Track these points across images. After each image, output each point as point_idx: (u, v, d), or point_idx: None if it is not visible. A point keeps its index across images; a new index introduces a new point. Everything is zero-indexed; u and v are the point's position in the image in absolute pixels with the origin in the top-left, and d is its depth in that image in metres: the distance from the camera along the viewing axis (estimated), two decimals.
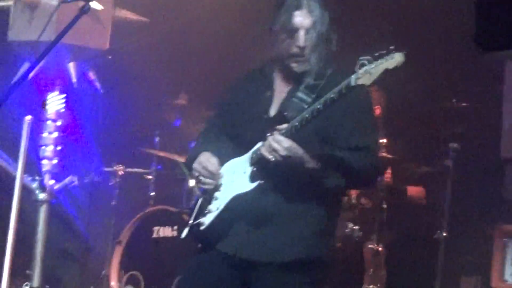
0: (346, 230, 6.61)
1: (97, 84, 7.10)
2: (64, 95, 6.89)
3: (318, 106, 3.93)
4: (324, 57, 4.24)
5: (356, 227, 6.65)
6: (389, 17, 7.58)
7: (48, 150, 6.83)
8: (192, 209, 4.37)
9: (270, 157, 4.01)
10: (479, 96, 6.71)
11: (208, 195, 4.27)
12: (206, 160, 4.29)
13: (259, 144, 4.08)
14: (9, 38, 6.84)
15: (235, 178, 4.20)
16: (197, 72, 7.91)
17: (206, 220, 4.23)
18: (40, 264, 6.73)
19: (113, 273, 6.99)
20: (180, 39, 7.93)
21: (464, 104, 6.60)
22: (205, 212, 4.26)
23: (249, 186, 4.13)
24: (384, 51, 3.84)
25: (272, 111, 4.22)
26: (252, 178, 4.13)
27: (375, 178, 4.71)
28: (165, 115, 7.71)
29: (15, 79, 6.60)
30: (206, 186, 4.28)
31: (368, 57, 3.83)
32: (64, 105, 6.92)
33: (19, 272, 6.66)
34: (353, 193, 6.56)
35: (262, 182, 4.09)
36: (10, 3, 6.85)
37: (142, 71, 7.86)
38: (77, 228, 7.62)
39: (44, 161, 6.85)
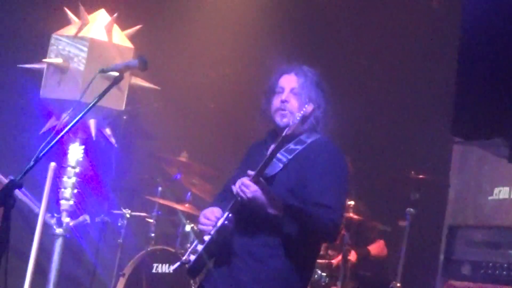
0: (315, 276, 6.98)
1: (112, 139, 7.60)
2: (84, 146, 7.47)
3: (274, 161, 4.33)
4: (309, 120, 4.46)
5: (324, 274, 7.07)
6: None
7: (67, 192, 7.40)
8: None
9: (238, 197, 4.29)
10: (433, 170, 7.05)
11: (202, 238, 4.49)
12: (209, 210, 4.48)
13: None
14: (41, 95, 7.45)
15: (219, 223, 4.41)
16: (197, 134, 8.36)
17: (192, 258, 4.47)
18: None
19: None
20: (185, 105, 8.43)
21: (421, 176, 6.86)
22: (194, 251, 4.48)
23: None
24: None
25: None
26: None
27: (335, 235, 4.66)
28: (167, 169, 8.05)
29: (47, 129, 7.24)
30: (201, 227, 4.49)
31: None
32: (83, 154, 7.47)
33: None
34: (322, 244, 6.71)
35: (226, 223, 4.36)
36: (44, 66, 7.46)
37: (151, 130, 8.39)
38: (87, 259, 7.83)
39: (63, 201, 7.40)
